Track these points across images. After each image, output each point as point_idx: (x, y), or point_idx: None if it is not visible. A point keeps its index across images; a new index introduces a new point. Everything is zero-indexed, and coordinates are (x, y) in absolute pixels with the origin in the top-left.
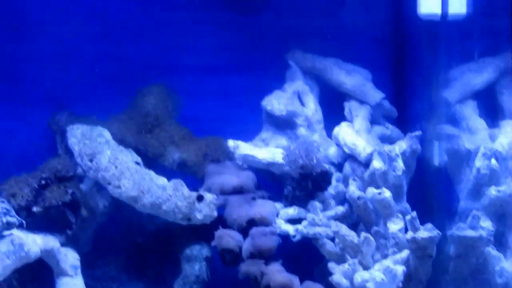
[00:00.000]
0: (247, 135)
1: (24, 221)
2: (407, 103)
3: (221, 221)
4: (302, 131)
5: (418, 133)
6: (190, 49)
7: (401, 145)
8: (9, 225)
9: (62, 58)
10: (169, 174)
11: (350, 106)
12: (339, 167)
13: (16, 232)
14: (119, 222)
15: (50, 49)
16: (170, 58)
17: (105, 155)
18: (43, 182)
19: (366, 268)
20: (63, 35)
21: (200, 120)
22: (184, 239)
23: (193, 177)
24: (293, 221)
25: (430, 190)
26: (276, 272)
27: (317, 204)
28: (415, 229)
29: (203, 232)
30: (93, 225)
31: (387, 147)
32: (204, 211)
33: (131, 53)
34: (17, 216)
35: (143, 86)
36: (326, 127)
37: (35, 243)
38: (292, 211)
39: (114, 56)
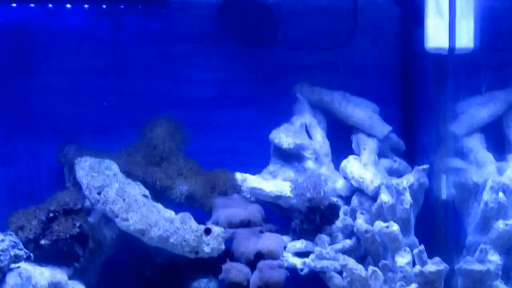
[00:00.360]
0: (255, 168)
1: (31, 254)
2: (414, 136)
3: (228, 254)
4: (309, 164)
5: (425, 166)
6: (198, 82)
7: (409, 179)
8: (17, 258)
9: (71, 92)
10: (176, 207)
11: (357, 139)
12: (347, 200)
13: (23, 265)
14: (126, 254)
15: (58, 83)
16: (178, 91)
17: (113, 188)
18: (51, 214)
19: None
20: (72, 69)
21: (208, 152)
22: (192, 272)
23: (201, 210)
24: (301, 254)
25: (438, 223)
26: None
27: (324, 237)
28: (423, 263)
29: (210, 265)
30: (101, 258)
31: (394, 181)
32: (212, 244)
33: (139, 86)
34: (24, 249)
35: (151, 119)
36: (334, 160)
37: (43, 276)
38: (300, 244)
39: (122, 90)
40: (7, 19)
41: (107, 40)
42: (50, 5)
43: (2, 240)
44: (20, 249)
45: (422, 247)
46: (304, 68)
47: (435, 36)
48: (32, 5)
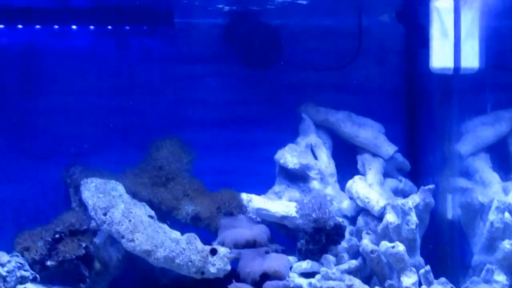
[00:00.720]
0: (260, 188)
1: (37, 275)
2: (419, 156)
3: (234, 274)
4: (315, 184)
5: (431, 186)
6: (204, 103)
7: (415, 199)
8: (23, 279)
9: (76, 113)
10: (182, 227)
11: (363, 159)
12: (353, 220)
13: (30, 286)
14: (132, 275)
15: (64, 104)
16: (184, 112)
17: (119, 209)
18: (57, 235)
19: None
20: (77, 90)
21: (214, 173)
22: None
23: (207, 231)
24: (307, 274)
25: (444, 243)
26: None
27: (330, 257)
28: (429, 283)
29: (216, 286)
30: (106, 279)
31: (400, 201)
32: (218, 265)
33: (145, 107)
34: (30, 270)
35: (157, 139)
36: (339, 180)
37: None
38: (306, 264)
39: (128, 110)
40: (13, 41)
41: (113, 61)
42: (56, 27)
43: (9, 262)
44: (26, 270)
45: (428, 267)
46: (309, 88)
47: (440, 56)
48: (37, 26)
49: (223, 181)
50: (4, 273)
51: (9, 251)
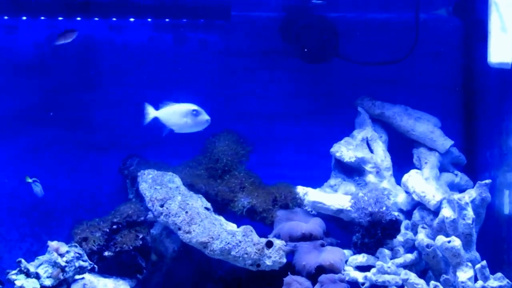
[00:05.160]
0: (315, 182)
1: (95, 266)
2: (476, 150)
3: (290, 267)
4: (371, 178)
5: (488, 181)
6: (260, 96)
7: (471, 193)
8: (81, 269)
9: (133, 106)
10: (238, 220)
11: (419, 153)
12: (408, 214)
13: (88, 276)
14: (188, 267)
15: (121, 96)
16: (239, 105)
17: (176, 201)
18: (114, 226)
19: None
20: (134, 83)
21: (269, 166)
22: (253, 285)
23: (262, 223)
24: (362, 268)
25: (500, 238)
26: None
27: (386, 251)
28: (485, 278)
29: (271, 278)
30: (162, 270)
31: (456, 195)
32: (274, 257)
33: (201, 99)
34: (89, 260)
35: (214, 132)
36: (395, 174)
37: (106, 287)
38: (361, 258)
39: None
40: None
41: (170, 54)
42: (114, 19)
43: (67, 252)
44: (85, 261)
45: (484, 262)
46: (365, 82)
47: (499, 50)
48: (96, 19)
49: (278, 174)
50: (63, 263)
51: (66, 241)
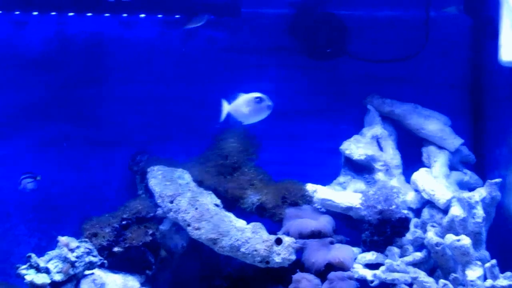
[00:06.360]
0: (324, 179)
1: (105, 261)
2: (485, 149)
3: (299, 264)
4: (380, 176)
5: (498, 180)
6: (269, 93)
7: (481, 192)
8: (91, 265)
9: (142, 102)
10: (247, 216)
11: (428, 152)
12: (417, 212)
13: (97, 271)
14: (196, 263)
15: (130, 93)
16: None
17: (186, 197)
18: (124, 222)
19: None
20: (143, 80)
21: (278, 163)
22: (262, 282)
23: (270, 220)
24: (371, 266)
25: (510, 237)
26: None
27: (395, 249)
28: (495, 277)
29: (280, 275)
30: (171, 266)
31: (466, 194)
32: (283, 254)
33: (209, 96)
34: (99, 256)
35: (223, 129)
36: (404, 172)
37: (115, 283)
38: (370, 256)
39: (192, 99)
40: (80, 30)
41: (179, 50)
42: (124, 15)
43: (78, 247)
44: (95, 256)
45: (494, 261)
46: (374, 79)
47: (509, 49)
48: (106, 14)
49: (287, 172)
50: (73, 258)
51: (75, 237)
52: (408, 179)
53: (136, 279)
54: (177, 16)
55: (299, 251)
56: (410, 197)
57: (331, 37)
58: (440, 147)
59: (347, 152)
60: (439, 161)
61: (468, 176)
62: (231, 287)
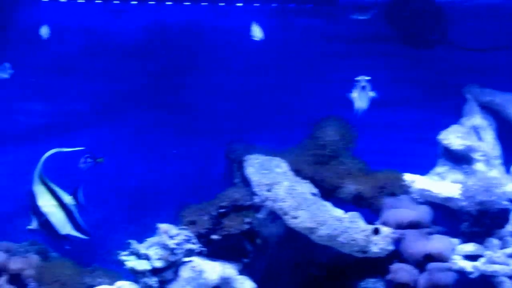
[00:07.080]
0: (421, 169)
1: (204, 248)
2: None
3: (396, 255)
4: (479, 166)
5: None
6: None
7: None
8: (190, 252)
9: (239, 91)
10: (343, 206)
11: None
12: None
13: (196, 259)
14: (291, 252)
15: (228, 82)
16: (344, 91)
17: (283, 186)
18: (222, 210)
19: None
20: (240, 69)
21: (374, 153)
22: (358, 272)
23: (367, 210)
24: (470, 257)
25: None
26: None
27: (494, 241)
28: None
29: (377, 265)
30: (266, 254)
31: None
32: (380, 244)
33: (306, 85)
34: (198, 244)
35: (321, 118)
36: (504, 163)
37: (214, 270)
38: (470, 247)
39: (289, 89)
40: (177, 19)
41: (276, 39)
42: (222, 4)
43: (177, 234)
44: (194, 244)
45: None
46: (473, 69)
47: None
48: (204, 3)
49: (383, 161)
50: (172, 245)
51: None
52: (508, 170)
53: (234, 266)
54: (274, 5)
55: (397, 242)
56: (510, 188)
57: (429, 25)
58: None
59: (445, 142)
60: None
61: None
62: (327, 276)
